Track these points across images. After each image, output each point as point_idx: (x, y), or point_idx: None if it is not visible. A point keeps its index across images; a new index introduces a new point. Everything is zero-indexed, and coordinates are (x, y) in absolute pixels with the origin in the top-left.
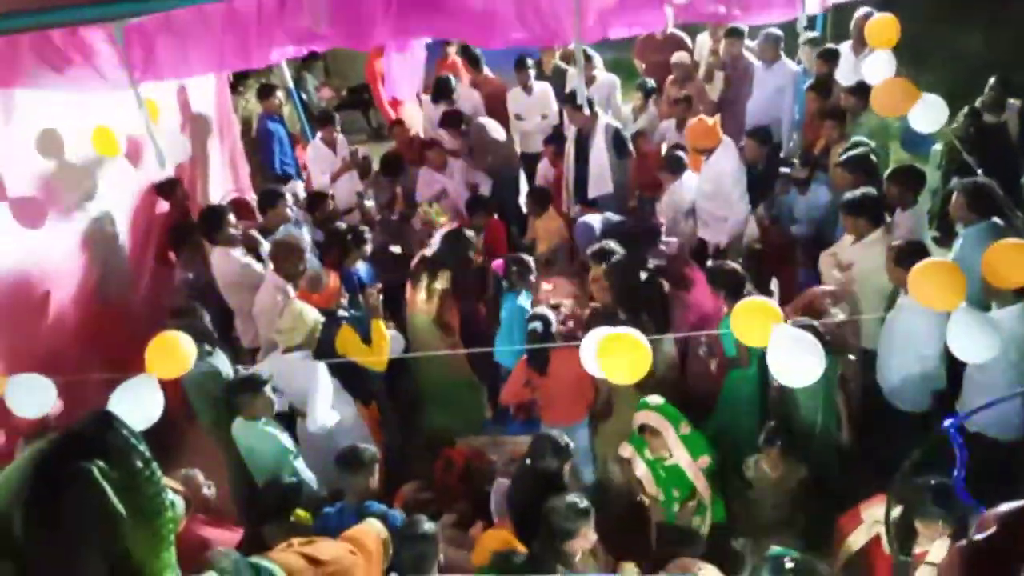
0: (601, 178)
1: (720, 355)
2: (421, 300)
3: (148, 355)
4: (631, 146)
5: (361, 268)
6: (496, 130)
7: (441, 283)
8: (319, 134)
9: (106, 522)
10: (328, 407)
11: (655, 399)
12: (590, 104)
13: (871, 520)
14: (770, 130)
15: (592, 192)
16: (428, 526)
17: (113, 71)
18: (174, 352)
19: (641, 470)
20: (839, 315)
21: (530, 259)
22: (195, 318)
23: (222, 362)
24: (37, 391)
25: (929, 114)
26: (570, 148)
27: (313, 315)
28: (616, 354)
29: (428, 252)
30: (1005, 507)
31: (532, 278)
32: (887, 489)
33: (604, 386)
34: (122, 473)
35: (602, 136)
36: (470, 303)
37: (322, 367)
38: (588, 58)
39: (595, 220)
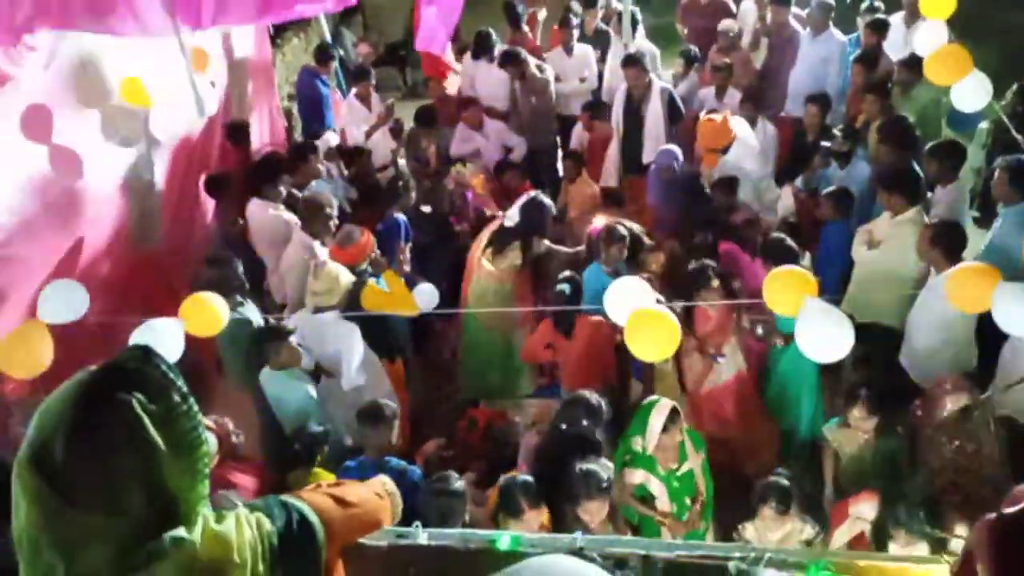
0: (657, 142)
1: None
2: (489, 269)
3: (183, 312)
4: (683, 110)
5: (402, 219)
6: (550, 80)
7: (512, 258)
8: (354, 90)
9: (144, 452)
10: (359, 368)
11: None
12: (638, 62)
13: (854, 516)
14: (829, 97)
15: (647, 157)
16: (458, 483)
17: (156, 17)
18: (208, 311)
19: (656, 487)
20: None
21: (622, 228)
22: (228, 268)
23: (252, 313)
24: (70, 295)
25: (974, 91)
26: (619, 112)
27: (347, 277)
28: (644, 331)
29: (508, 222)
30: None
31: (622, 249)
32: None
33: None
34: (160, 406)
35: (658, 99)
36: (545, 275)
37: (355, 328)
38: (635, 22)
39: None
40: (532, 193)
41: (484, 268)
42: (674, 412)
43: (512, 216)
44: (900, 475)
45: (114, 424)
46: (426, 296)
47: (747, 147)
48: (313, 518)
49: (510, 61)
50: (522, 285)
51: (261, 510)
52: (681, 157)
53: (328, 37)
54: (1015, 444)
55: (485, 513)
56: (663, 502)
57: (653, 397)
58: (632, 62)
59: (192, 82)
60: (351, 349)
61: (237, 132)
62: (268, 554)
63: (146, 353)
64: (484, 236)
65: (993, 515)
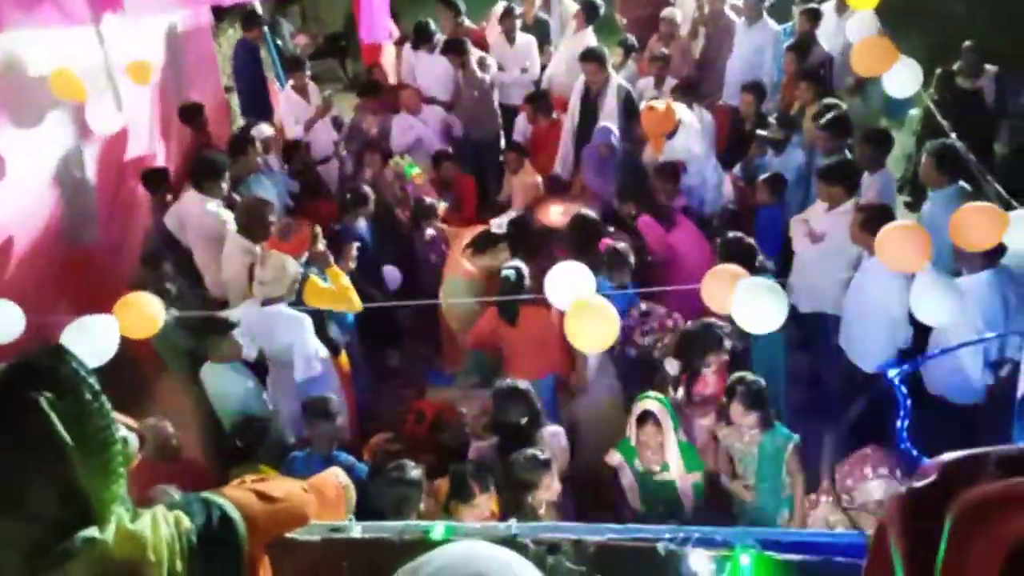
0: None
1: None
2: (466, 267)
3: (116, 314)
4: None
5: (363, 227)
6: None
7: (491, 258)
8: (289, 82)
9: (53, 451)
10: (312, 358)
11: (657, 393)
12: (600, 58)
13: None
14: (764, 85)
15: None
16: (415, 472)
17: (78, 4)
18: (142, 312)
19: (628, 480)
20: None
21: (626, 251)
22: (163, 266)
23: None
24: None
25: (905, 78)
26: (575, 105)
27: (294, 266)
28: (583, 321)
29: (495, 229)
30: (946, 456)
31: (626, 272)
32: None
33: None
34: (71, 405)
35: (614, 96)
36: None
37: (306, 317)
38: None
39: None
40: (520, 212)
41: (462, 266)
42: (646, 414)
43: (500, 224)
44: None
45: (22, 422)
46: (392, 278)
47: (692, 130)
48: (234, 514)
49: (452, 49)
50: (492, 288)
51: (180, 507)
52: (618, 135)
53: (264, 27)
54: (945, 426)
55: (435, 504)
56: (633, 498)
57: (649, 392)
58: (592, 57)
59: (110, 74)
60: (302, 339)
61: (190, 113)
62: (187, 551)
63: (57, 351)
64: (465, 236)
65: (903, 489)
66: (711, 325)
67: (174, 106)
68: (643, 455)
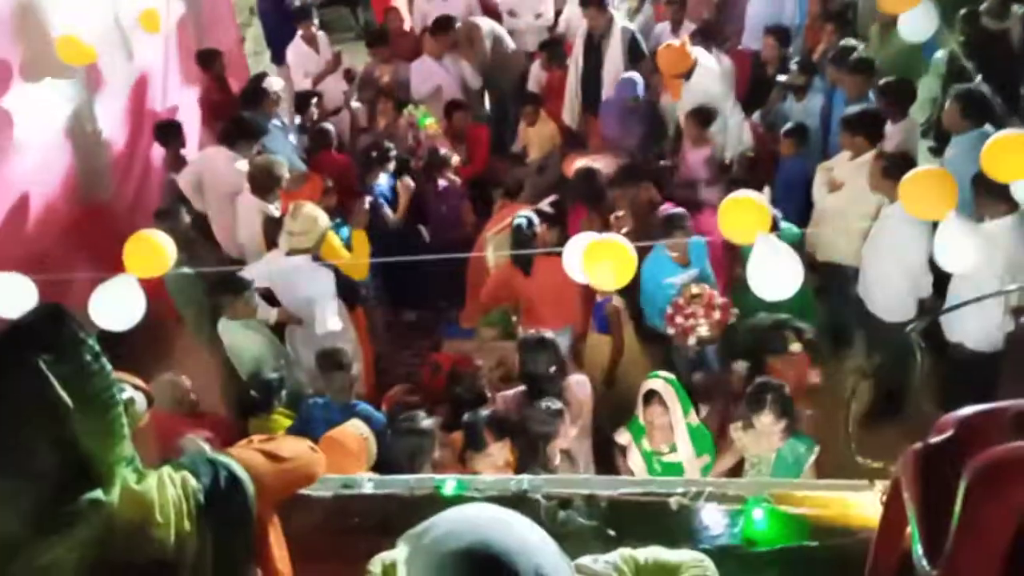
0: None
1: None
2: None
3: (125, 254)
4: (646, 50)
5: (384, 183)
6: (492, 30)
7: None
8: (298, 32)
9: (52, 412)
10: (335, 312)
11: (666, 373)
12: (599, 1)
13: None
14: (788, 30)
15: (607, 96)
16: (426, 422)
17: None
18: (151, 250)
19: (636, 461)
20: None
21: (682, 213)
22: (176, 220)
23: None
24: (17, 291)
25: (920, 21)
26: (579, 50)
27: (325, 220)
28: (601, 259)
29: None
30: (963, 411)
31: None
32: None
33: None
34: (70, 366)
35: (619, 39)
36: None
37: (330, 272)
38: None
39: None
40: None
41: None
42: (651, 393)
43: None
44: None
45: (20, 385)
46: None
47: (709, 71)
48: (242, 473)
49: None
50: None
51: (187, 468)
52: (640, 85)
53: None
54: (964, 372)
55: (451, 455)
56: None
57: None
58: (591, 2)
59: (120, 27)
60: (326, 294)
61: (208, 58)
62: (194, 512)
63: (56, 311)
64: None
65: (919, 444)
66: (781, 324)
67: (191, 56)
68: (651, 435)
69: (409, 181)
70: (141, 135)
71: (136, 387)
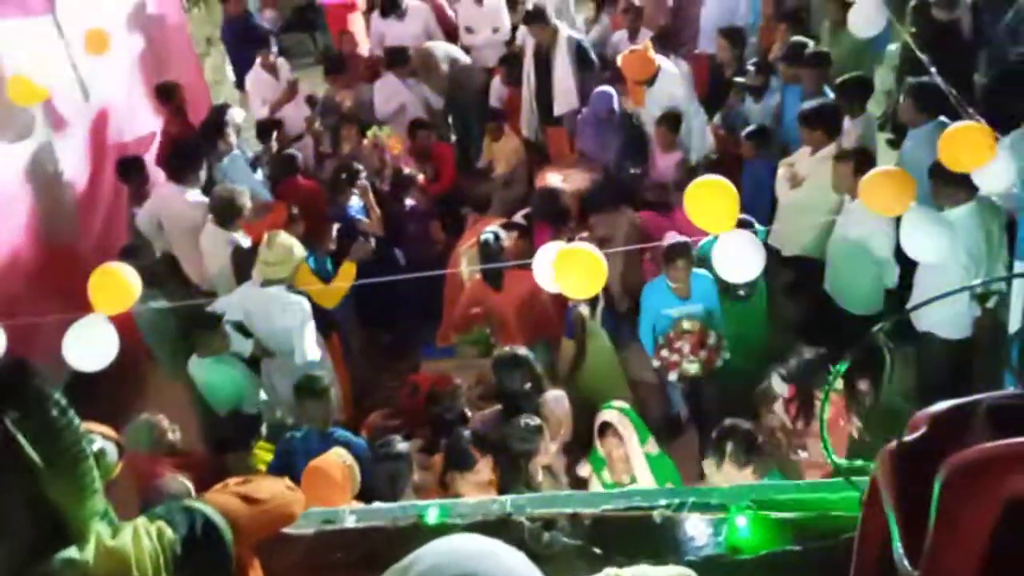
0: (567, 94)
1: None
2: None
3: (91, 290)
4: (594, 57)
5: (356, 204)
6: (447, 54)
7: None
8: (257, 59)
9: (21, 471)
10: (314, 341)
11: (621, 403)
12: (541, 16)
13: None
14: (743, 31)
15: (558, 109)
16: (401, 445)
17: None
18: (116, 284)
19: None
20: None
21: (685, 242)
22: (144, 258)
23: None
24: None
25: (869, 15)
26: (529, 65)
27: (300, 249)
28: (571, 268)
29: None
30: (936, 407)
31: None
32: None
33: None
34: (37, 423)
35: (565, 50)
36: None
37: (306, 302)
38: None
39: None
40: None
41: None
42: (604, 425)
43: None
44: None
45: None
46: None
47: (671, 75)
48: (218, 520)
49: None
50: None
51: (162, 518)
52: (615, 98)
53: None
54: (935, 361)
55: (433, 478)
56: None
57: (614, 401)
58: (533, 18)
59: (73, 65)
60: (303, 322)
61: (167, 92)
62: (171, 563)
63: (20, 366)
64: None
65: (894, 442)
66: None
67: (151, 90)
68: (611, 467)
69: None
70: (103, 173)
71: (106, 437)
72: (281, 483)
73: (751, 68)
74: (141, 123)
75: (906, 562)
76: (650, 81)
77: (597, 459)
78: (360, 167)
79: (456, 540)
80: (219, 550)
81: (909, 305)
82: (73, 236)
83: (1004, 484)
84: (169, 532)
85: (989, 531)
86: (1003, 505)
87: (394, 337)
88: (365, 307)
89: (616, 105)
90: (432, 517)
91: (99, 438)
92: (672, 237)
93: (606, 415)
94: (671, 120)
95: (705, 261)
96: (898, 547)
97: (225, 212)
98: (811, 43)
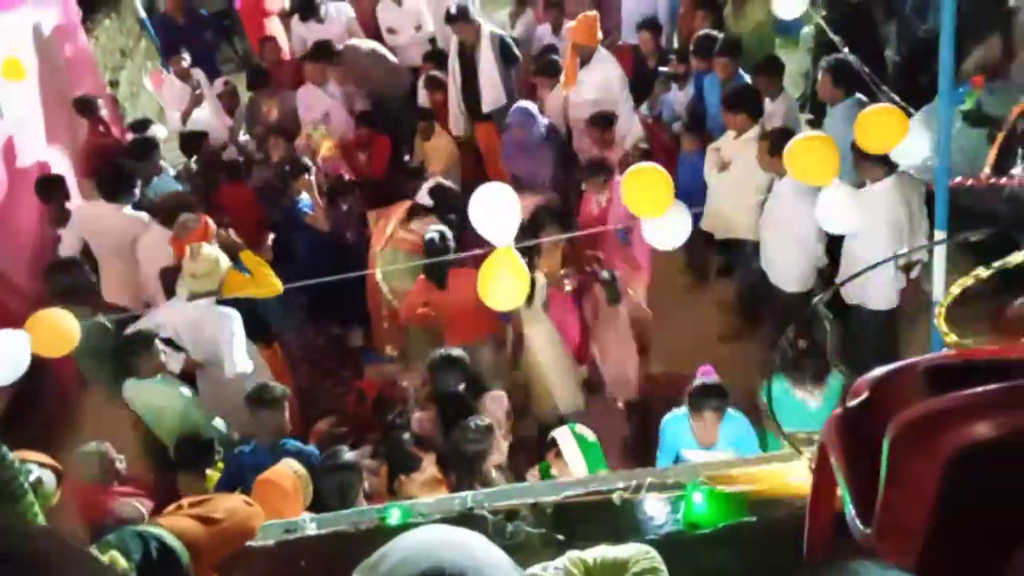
0: (494, 90)
1: None
2: (402, 235)
3: (30, 333)
4: (518, 52)
5: (305, 198)
6: (373, 50)
7: (419, 224)
8: (171, 67)
9: None
10: (244, 353)
11: (582, 429)
12: (464, 15)
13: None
14: (658, 21)
15: (487, 106)
16: (349, 455)
17: None
18: (56, 330)
19: None
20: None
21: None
22: (79, 272)
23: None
24: None
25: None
26: (454, 63)
27: (225, 258)
28: (495, 279)
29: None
30: (875, 372)
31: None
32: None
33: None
34: None
35: (489, 46)
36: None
37: (235, 313)
38: None
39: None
40: (436, 180)
41: (397, 235)
42: (552, 441)
43: (422, 198)
44: None
45: None
46: None
47: (606, 57)
48: (174, 543)
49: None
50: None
51: (114, 546)
52: (537, 114)
53: (142, 12)
54: (863, 332)
55: (382, 483)
56: None
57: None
58: (456, 18)
59: None
60: (232, 334)
61: (85, 105)
62: None
63: None
64: (392, 214)
65: (839, 409)
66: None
67: (58, 109)
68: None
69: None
70: (19, 194)
71: (42, 465)
72: (238, 498)
73: (673, 57)
74: (49, 143)
75: (858, 522)
76: (584, 62)
77: (546, 471)
78: (308, 162)
79: (424, 532)
80: (176, 573)
81: (838, 279)
82: None
83: (948, 436)
84: (123, 561)
85: (937, 483)
86: (948, 456)
87: (328, 339)
88: (313, 308)
89: (537, 123)
90: (394, 518)
91: (35, 467)
92: (704, 375)
93: (557, 432)
94: (603, 120)
95: None
96: (850, 509)
97: (174, 213)
98: (716, 34)
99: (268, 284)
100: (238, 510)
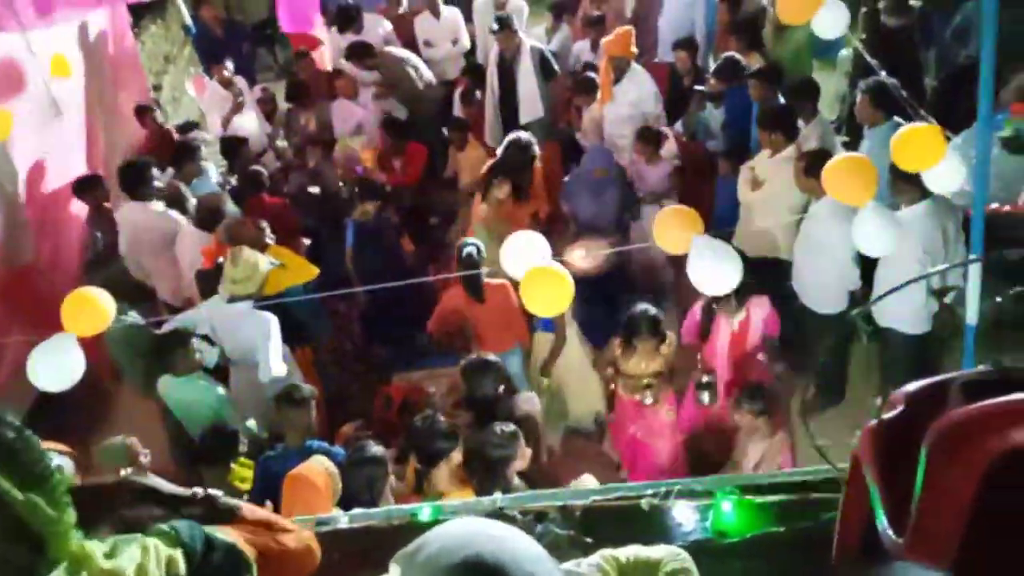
0: (532, 102)
1: None
2: (483, 210)
3: (64, 313)
4: (556, 66)
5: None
6: (408, 58)
7: (501, 192)
8: (214, 74)
9: None
10: (279, 357)
11: None
12: (507, 25)
13: None
14: (695, 40)
15: (524, 117)
16: (375, 449)
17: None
18: (91, 307)
19: None
20: None
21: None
22: (116, 267)
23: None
24: None
25: (832, 19)
26: (492, 74)
27: (266, 263)
28: (538, 287)
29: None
30: (912, 386)
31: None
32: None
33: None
34: None
35: (528, 59)
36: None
37: (273, 318)
38: None
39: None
40: (513, 135)
41: (476, 213)
42: None
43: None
44: None
45: None
46: None
47: (640, 73)
48: (244, 550)
49: (356, 54)
50: (519, 221)
51: (173, 534)
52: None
53: (188, 19)
54: (897, 355)
55: (408, 487)
56: None
57: None
58: (500, 26)
59: (45, 82)
60: (268, 338)
61: (140, 110)
62: None
63: None
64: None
65: (875, 421)
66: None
67: (100, 112)
68: None
69: None
70: (58, 192)
71: (60, 452)
72: (308, 535)
73: (709, 76)
74: (91, 144)
75: (891, 531)
76: (619, 77)
77: None
78: (378, 182)
79: (463, 523)
80: None
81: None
82: (30, 256)
83: (987, 441)
84: (181, 567)
85: (975, 489)
86: (987, 462)
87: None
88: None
89: (611, 163)
90: (425, 515)
91: (55, 454)
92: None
93: None
94: (649, 135)
95: None
96: (882, 519)
97: (208, 216)
98: (738, 57)
99: (303, 269)
100: (304, 538)
